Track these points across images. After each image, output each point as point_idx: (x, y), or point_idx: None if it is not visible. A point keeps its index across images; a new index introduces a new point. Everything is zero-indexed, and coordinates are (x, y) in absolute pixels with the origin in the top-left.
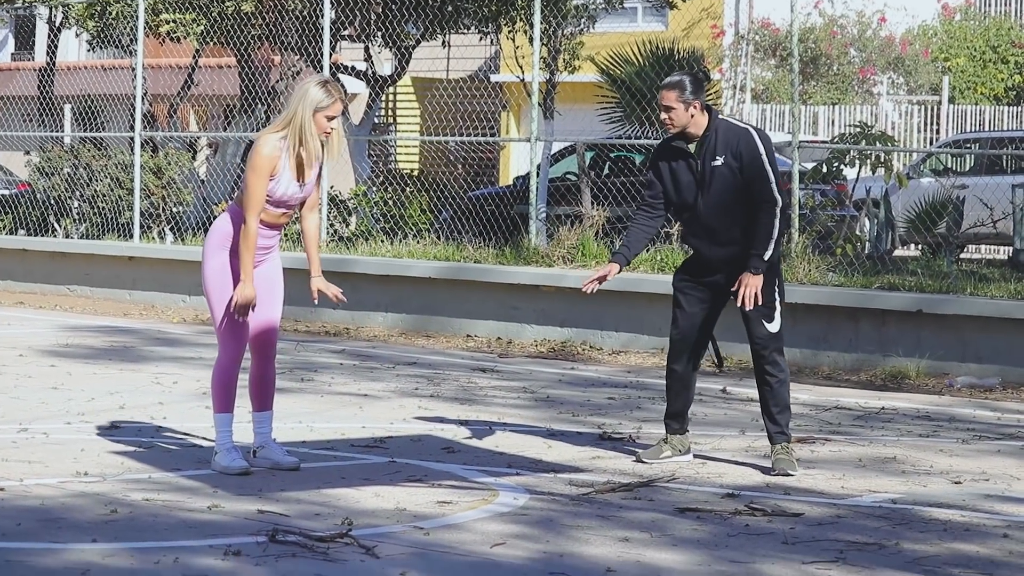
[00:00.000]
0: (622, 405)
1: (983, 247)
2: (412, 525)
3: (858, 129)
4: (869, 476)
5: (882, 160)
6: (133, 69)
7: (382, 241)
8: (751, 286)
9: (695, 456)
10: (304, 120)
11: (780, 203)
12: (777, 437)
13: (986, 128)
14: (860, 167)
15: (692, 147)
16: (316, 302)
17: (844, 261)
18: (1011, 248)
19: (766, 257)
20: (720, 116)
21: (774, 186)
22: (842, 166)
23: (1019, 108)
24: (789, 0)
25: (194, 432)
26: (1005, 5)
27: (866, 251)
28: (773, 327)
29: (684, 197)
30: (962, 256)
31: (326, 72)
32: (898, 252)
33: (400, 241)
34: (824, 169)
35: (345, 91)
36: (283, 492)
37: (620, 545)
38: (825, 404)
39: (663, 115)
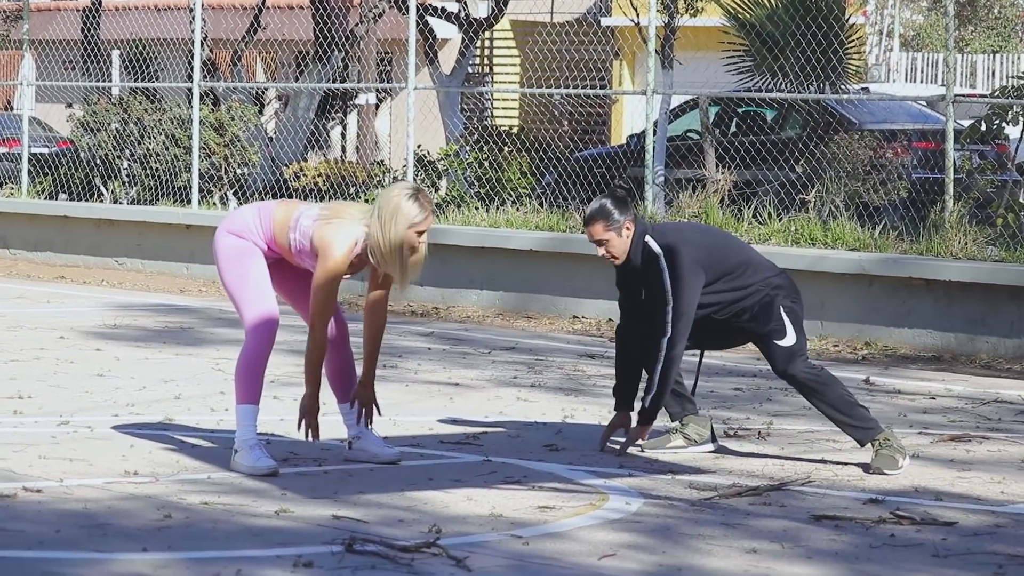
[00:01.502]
0: (750, 397)
1: None
2: (509, 533)
3: (1022, 81)
4: None
5: None
6: (191, 10)
7: (476, 208)
8: (633, 438)
9: (826, 461)
10: (393, 239)
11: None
12: (866, 436)
13: None
14: None
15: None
16: (312, 440)
17: (1006, 233)
18: None
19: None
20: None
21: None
22: (1004, 124)
23: None
24: None
25: (261, 426)
26: None
27: None
28: (787, 340)
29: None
30: None
31: (412, 15)
32: None
33: (497, 208)
34: (983, 127)
35: (434, 36)
36: (362, 495)
37: (747, 557)
38: (983, 397)
39: (600, 251)
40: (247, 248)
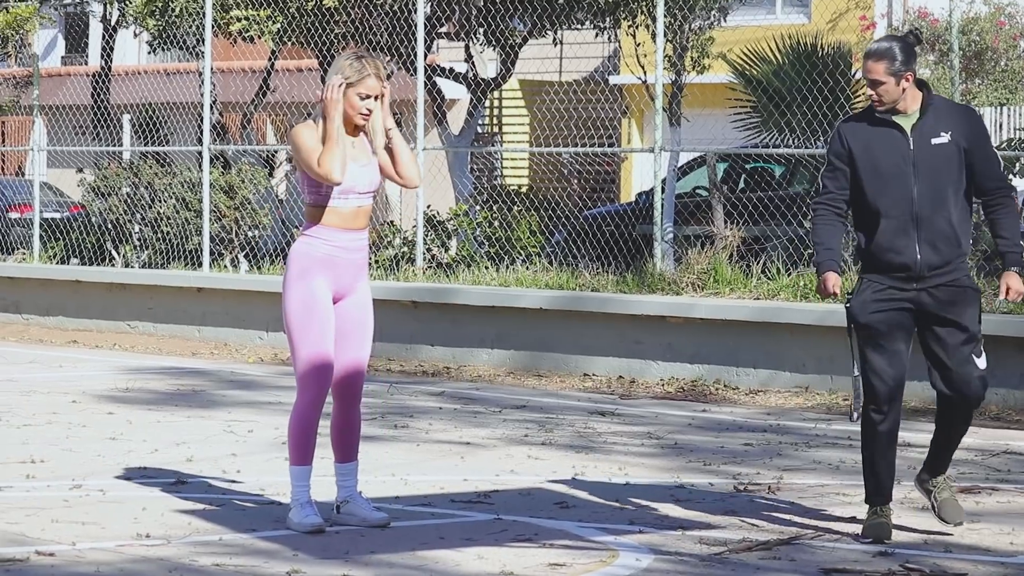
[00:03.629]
0: (761, 452)
1: None
2: None
3: None
4: None
5: None
6: (200, 73)
7: (486, 267)
8: (1017, 290)
9: (836, 516)
10: (328, 95)
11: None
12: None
13: None
14: None
15: (903, 122)
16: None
17: None
18: None
19: None
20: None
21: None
22: (1011, 175)
23: None
24: None
25: (271, 487)
26: None
27: None
28: (984, 362)
29: (891, 183)
30: None
31: (420, 76)
32: None
33: (507, 267)
34: None
35: (443, 97)
36: (373, 554)
37: None
38: (993, 448)
39: (869, 91)
40: (315, 298)
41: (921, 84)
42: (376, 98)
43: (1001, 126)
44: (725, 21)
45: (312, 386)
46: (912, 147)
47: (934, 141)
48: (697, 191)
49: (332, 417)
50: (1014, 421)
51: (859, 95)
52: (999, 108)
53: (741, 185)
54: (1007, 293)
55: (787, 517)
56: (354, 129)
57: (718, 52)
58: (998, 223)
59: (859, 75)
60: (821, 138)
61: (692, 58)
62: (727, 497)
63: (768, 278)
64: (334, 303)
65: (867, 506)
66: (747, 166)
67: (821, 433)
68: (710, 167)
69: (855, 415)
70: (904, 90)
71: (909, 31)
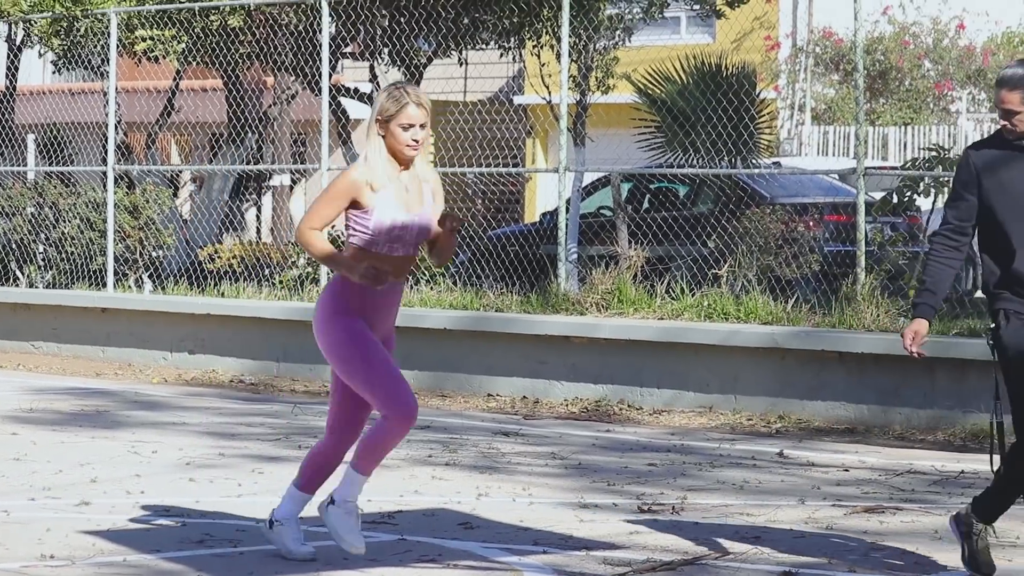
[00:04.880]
0: (664, 472)
1: None
2: None
3: (933, 153)
4: (947, 550)
5: None
6: (105, 93)
7: None
8: None
9: (743, 529)
10: (372, 138)
11: None
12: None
13: None
14: (936, 196)
15: None
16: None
17: None
18: None
19: None
20: None
21: None
22: (915, 195)
23: None
24: (853, 6)
25: (176, 508)
26: None
27: None
28: None
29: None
30: None
31: (325, 96)
32: (979, 293)
33: (411, 288)
34: (894, 199)
35: (347, 117)
36: (278, 575)
37: None
38: (896, 468)
39: (1003, 122)
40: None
41: None
42: (422, 126)
43: (906, 145)
44: (630, 41)
45: (406, 404)
46: None
47: None
48: (601, 211)
49: (317, 446)
50: (918, 440)
51: (763, 115)
52: (903, 127)
53: (645, 205)
54: None
55: (691, 537)
56: (405, 165)
57: (623, 72)
58: None
59: (763, 95)
60: (726, 158)
61: (597, 78)
62: (631, 517)
63: (672, 298)
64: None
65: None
66: (651, 186)
67: (725, 453)
68: (614, 187)
69: (995, 465)
70: None
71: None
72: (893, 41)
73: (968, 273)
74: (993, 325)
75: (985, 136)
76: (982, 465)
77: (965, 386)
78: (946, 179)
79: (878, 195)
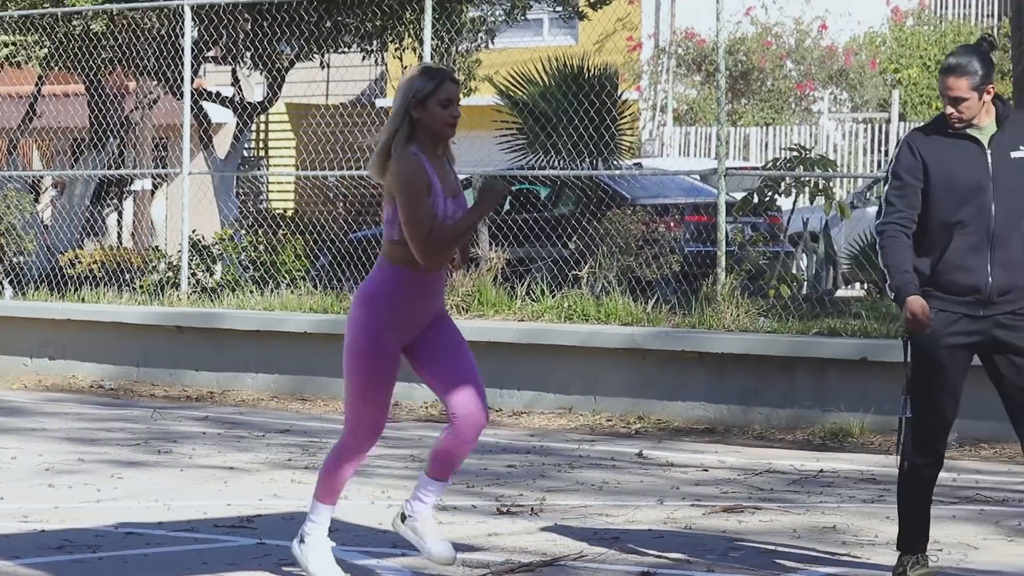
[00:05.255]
0: (524, 473)
1: None
2: None
3: (794, 153)
4: (805, 548)
5: (822, 188)
6: None
7: (251, 292)
8: None
9: (602, 530)
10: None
11: None
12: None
13: None
14: (797, 196)
15: (979, 135)
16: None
17: (778, 304)
18: None
19: None
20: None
21: None
22: (776, 195)
23: None
24: (715, 7)
25: (35, 514)
26: (963, 7)
27: (803, 292)
28: None
29: (968, 198)
30: None
31: (187, 100)
32: (840, 292)
33: (272, 292)
34: (755, 199)
35: (209, 121)
36: None
37: None
38: (756, 468)
39: (950, 109)
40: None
41: (995, 96)
42: (457, 102)
43: (767, 146)
44: (492, 43)
45: (370, 436)
46: (990, 160)
47: (1013, 155)
48: None
49: (447, 433)
50: (777, 440)
51: (625, 116)
52: (765, 128)
53: (506, 207)
54: None
55: (550, 538)
56: (440, 151)
57: (485, 74)
58: None
59: (625, 96)
60: (587, 159)
61: (459, 80)
62: (490, 519)
63: (533, 299)
64: (417, 337)
65: (899, 553)
66: (513, 188)
67: (584, 454)
68: (475, 189)
69: (905, 464)
70: (984, 104)
71: (981, 38)
72: (755, 42)
73: (828, 272)
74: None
75: (922, 127)
76: (841, 464)
77: (824, 385)
78: (806, 179)
79: (739, 195)
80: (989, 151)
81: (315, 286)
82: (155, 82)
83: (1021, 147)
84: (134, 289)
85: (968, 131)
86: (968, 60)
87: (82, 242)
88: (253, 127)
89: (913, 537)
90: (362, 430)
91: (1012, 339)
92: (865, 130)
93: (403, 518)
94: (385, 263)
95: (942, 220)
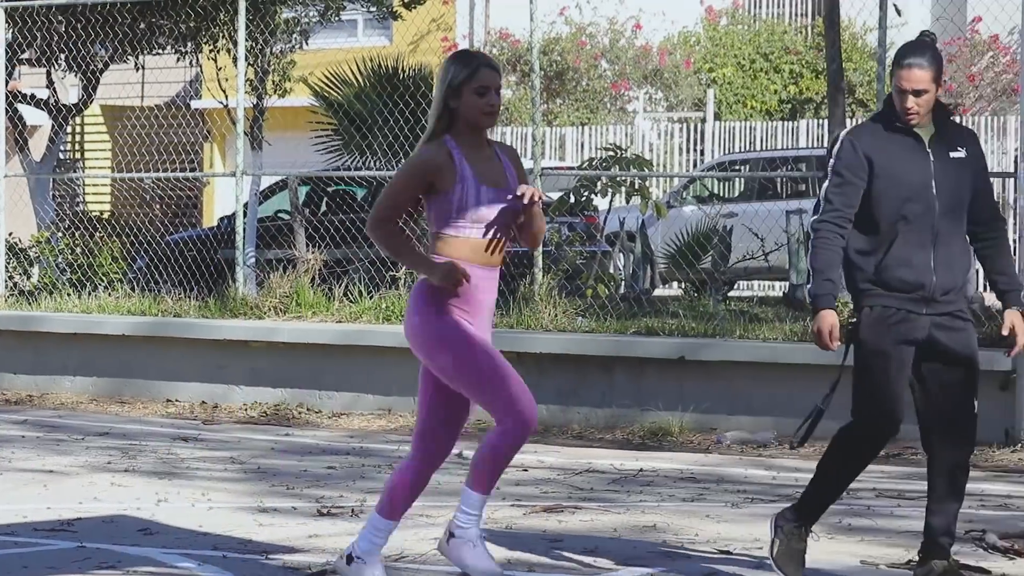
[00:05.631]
0: (344, 475)
1: (754, 283)
2: None
3: (610, 152)
4: (625, 547)
5: (638, 187)
6: None
7: (68, 295)
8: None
9: (422, 530)
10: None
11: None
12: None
13: (757, 147)
14: (613, 196)
15: (922, 134)
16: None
17: (596, 304)
18: (786, 283)
19: None
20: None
21: None
22: (592, 195)
23: (794, 123)
24: (529, 8)
25: None
26: (777, 7)
27: (620, 291)
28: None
29: (913, 195)
30: (730, 294)
31: (1, 103)
32: (657, 292)
33: (89, 294)
34: (571, 199)
35: (24, 123)
36: None
37: None
38: (575, 467)
39: (909, 102)
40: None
41: None
42: (496, 91)
43: (583, 145)
44: (307, 44)
45: (527, 408)
46: (932, 158)
47: (952, 155)
48: (279, 215)
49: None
50: (597, 439)
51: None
52: (581, 128)
53: (323, 208)
54: (1012, 333)
55: None
56: (482, 137)
57: (300, 75)
58: (995, 258)
59: None
60: (402, 160)
61: (274, 82)
62: (311, 520)
63: (351, 301)
64: None
65: (792, 518)
66: (329, 189)
67: (404, 455)
68: (292, 191)
69: (796, 442)
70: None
71: (924, 32)
72: (570, 42)
73: (645, 271)
74: (855, 320)
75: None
76: (660, 463)
77: (643, 384)
78: (622, 178)
79: (555, 195)
80: (930, 150)
81: (132, 288)
82: None
83: (959, 148)
84: None
85: (914, 128)
86: (928, 53)
87: None
88: (69, 129)
89: (814, 512)
90: (512, 406)
91: (947, 341)
92: (680, 129)
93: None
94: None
95: (888, 218)
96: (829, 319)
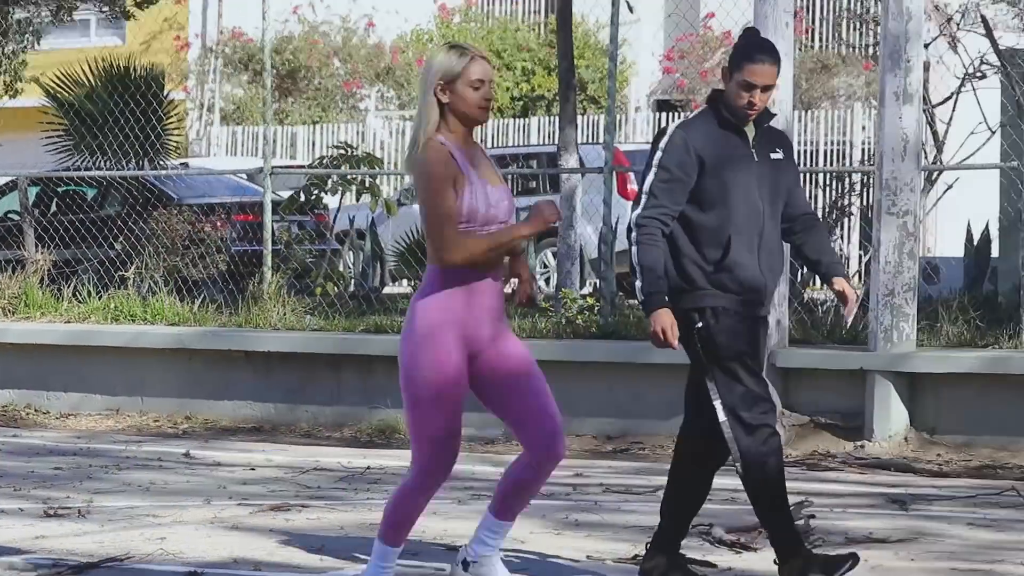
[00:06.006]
0: (71, 476)
1: None
2: None
3: (340, 151)
4: (351, 546)
5: (368, 185)
6: None
7: None
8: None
9: (149, 530)
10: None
11: None
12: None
13: (488, 144)
14: (343, 194)
15: (748, 132)
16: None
17: (325, 302)
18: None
19: None
20: None
21: None
22: (322, 194)
23: (526, 120)
24: (261, 7)
25: None
26: (511, 4)
27: (350, 290)
28: None
29: (743, 196)
30: None
31: None
32: (388, 289)
33: None
34: (301, 198)
35: None
36: None
37: None
38: (303, 465)
39: (757, 97)
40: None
41: None
42: (491, 83)
43: (314, 144)
44: (39, 44)
45: (443, 467)
46: (756, 159)
47: (772, 156)
48: (9, 215)
49: (517, 469)
50: (325, 437)
51: (171, 116)
52: (312, 126)
53: (53, 209)
54: (843, 295)
55: (98, 540)
56: (471, 132)
57: (32, 76)
58: (815, 242)
59: (172, 96)
60: (133, 160)
61: (5, 82)
62: (37, 522)
63: (80, 301)
64: (473, 359)
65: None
66: (59, 189)
67: (131, 455)
68: (21, 191)
69: (740, 467)
70: None
71: (749, 29)
72: (303, 40)
73: (375, 269)
74: (700, 325)
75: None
76: (388, 460)
77: (371, 382)
78: (352, 177)
79: (286, 194)
80: (754, 150)
81: None
82: None
83: (779, 149)
84: None
85: (743, 127)
86: (773, 48)
87: None
88: None
89: (792, 538)
90: (441, 460)
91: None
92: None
93: (465, 565)
94: (434, 269)
95: (719, 219)
96: (667, 317)
